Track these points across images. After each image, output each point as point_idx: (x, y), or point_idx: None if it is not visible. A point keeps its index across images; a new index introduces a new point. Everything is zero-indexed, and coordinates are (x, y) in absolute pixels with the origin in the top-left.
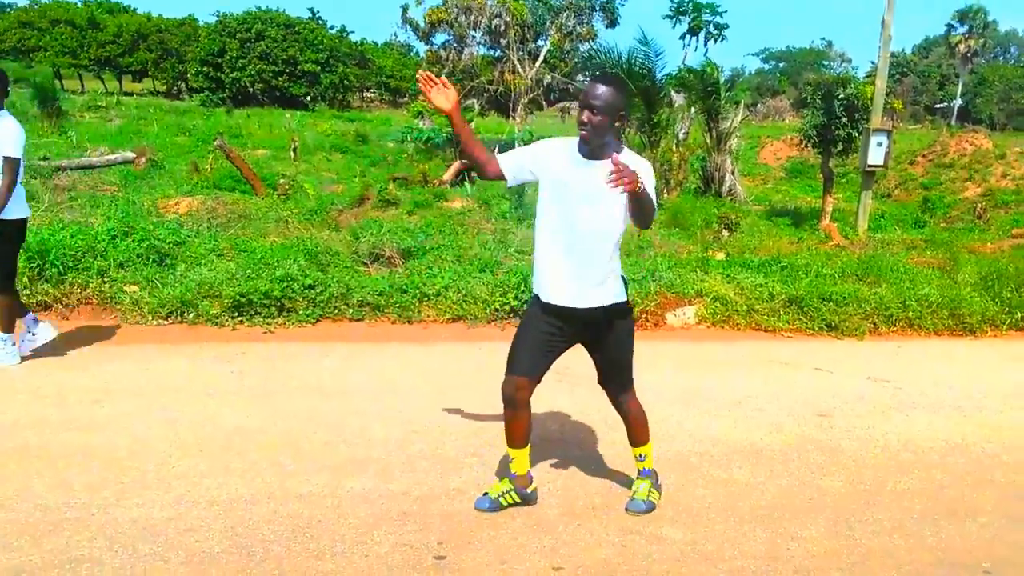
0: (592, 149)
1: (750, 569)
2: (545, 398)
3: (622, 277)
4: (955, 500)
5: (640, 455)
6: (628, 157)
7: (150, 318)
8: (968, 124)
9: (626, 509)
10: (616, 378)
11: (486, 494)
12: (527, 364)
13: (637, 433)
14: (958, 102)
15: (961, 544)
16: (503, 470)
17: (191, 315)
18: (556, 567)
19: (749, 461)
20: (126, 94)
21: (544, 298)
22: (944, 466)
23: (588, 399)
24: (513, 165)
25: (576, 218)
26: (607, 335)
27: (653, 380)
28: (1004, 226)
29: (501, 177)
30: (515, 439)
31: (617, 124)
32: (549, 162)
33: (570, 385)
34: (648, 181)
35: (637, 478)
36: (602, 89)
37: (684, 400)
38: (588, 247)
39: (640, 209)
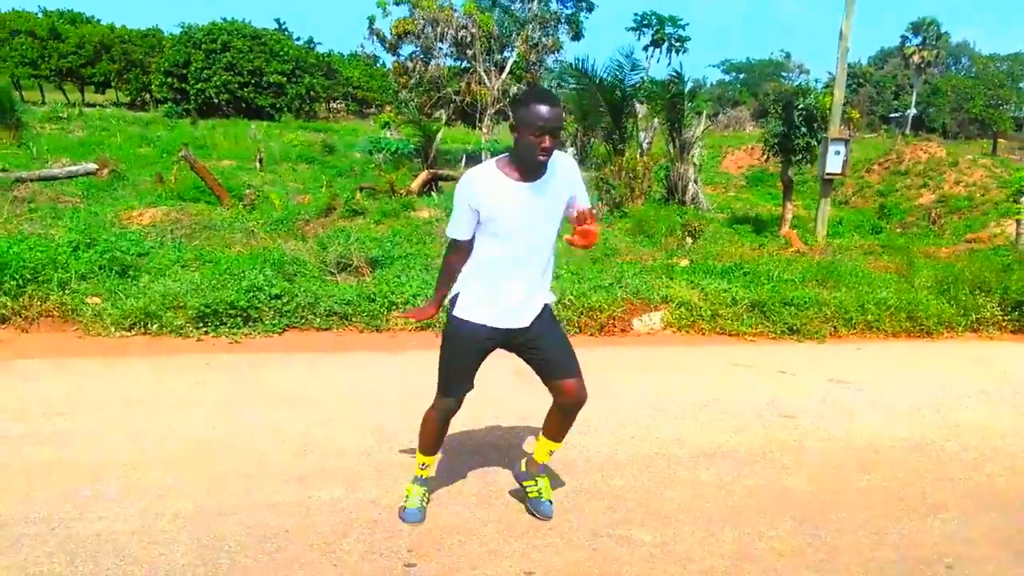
0: (531, 170)
1: (720, 569)
2: (513, 404)
3: None
4: (917, 498)
5: (553, 451)
6: (555, 160)
7: (113, 330)
8: (922, 133)
9: (538, 512)
10: (574, 361)
11: (408, 507)
12: (467, 386)
13: (566, 428)
14: (912, 111)
15: (923, 540)
16: (415, 479)
17: (155, 326)
18: (527, 572)
19: (716, 462)
20: (88, 105)
21: (491, 323)
22: (906, 464)
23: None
24: (467, 230)
25: (531, 241)
26: (549, 325)
27: (621, 385)
28: (958, 231)
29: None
30: (438, 448)
31: None
32: (488, 200)
33: (535, 389)
34: (578, 177)
35: (540, 475)
36: (558, 111)
37: (651, 404)
38: (537, 266)
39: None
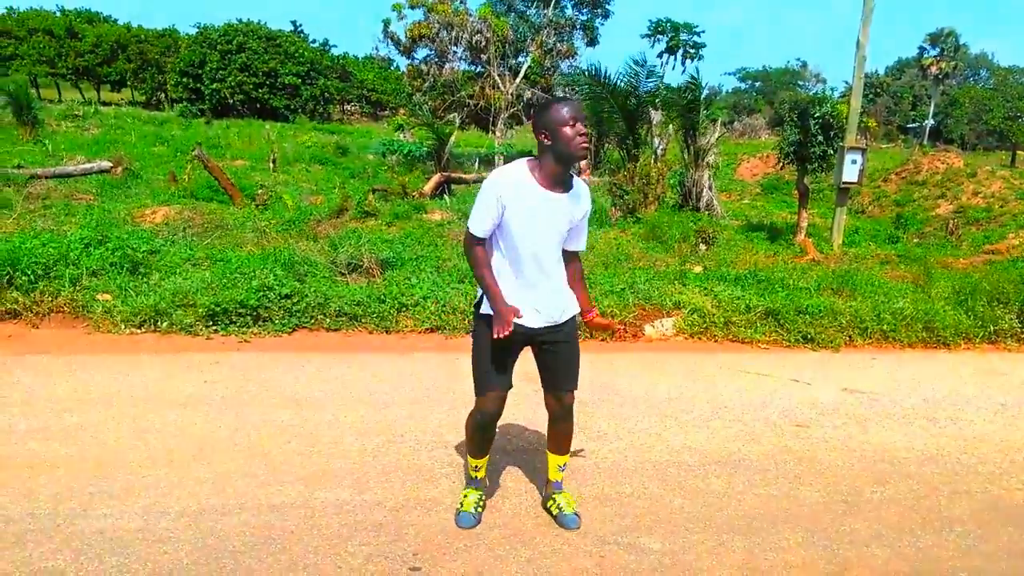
0: (560, 177)
1: None
2: (522, 408)
3: None
4: (931, 510)
5: (562, 465)
6: (579, 185)
7: (122, 327)
8: (939, 144)
9: (565, 526)
10: (574, 378)
11: (462, 511)
12: (508, 379)
13: (569, 440)
14: (930, 122)
15: (938, 554)
16: (468, 480)
17: (164, 324)
18: None
19: (727, 471)
20: (104, 104)
21: (521, 323)
22: (920, 476)
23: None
24: (489, 226)
25: (550, 243)
26: (569, 335)
27: (631, 391)
28: (976, 242)
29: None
30: (486, 450)
31: None
32: (518, 198)
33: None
34: (588, 211)
35: (556, 493)
36: (580, 103)
37: (662, 411)
38: (548, 270)
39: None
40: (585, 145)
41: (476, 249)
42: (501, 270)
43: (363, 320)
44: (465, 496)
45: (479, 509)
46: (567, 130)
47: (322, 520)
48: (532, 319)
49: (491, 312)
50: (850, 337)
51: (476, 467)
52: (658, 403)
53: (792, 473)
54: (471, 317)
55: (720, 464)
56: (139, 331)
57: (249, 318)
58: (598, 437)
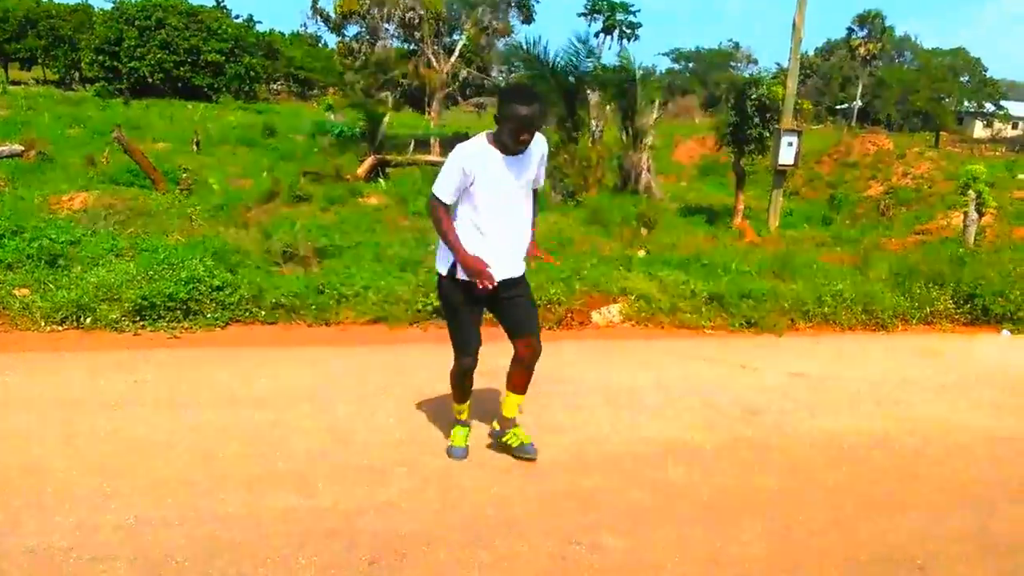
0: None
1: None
2: (476, 408)
3: None
4: (885, 495)
5: (520, 404)
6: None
7: (43, 323)
8: (867, 124)
9: (524, 456)
10: (536, 321)
11: (455, 446)
12: (477, 340)
13: (528, 380)
14: (858, 103)
15: (894, 539)
16: (456, 422)
17: (88, 320)
18: None
19: (683, 461)
20: (13, 83)
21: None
22: (870, 461)
23: (527, 405)
24: (453, 192)
25: (514, 202)
26: (525, 288)
27: (583, 380)
28: (907, 222)
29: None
30: (467, 396)
31: None
32: (482, 168)
33: (498, 395)
34: (545, 156)
35: (515, 427)
36: (536, 108)
37: (615, 400)
38: (522, 224)
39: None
40: (520, 149)
41: (441, 212)
42: (468, 230)
43: (301, 312)
44: (456, 433)
45: (467, 443)
46: (511, 131)
47: (270, 529)
48: (496, 272)
49: (465, 277)
50: (792, 320)
51: (460, 411)
52: (611, 392)
53: (747, 461)
54: (417, 308)
55: (676, 454)
56: (61, 328)
57: (179, 312)
58: (555, 429)
